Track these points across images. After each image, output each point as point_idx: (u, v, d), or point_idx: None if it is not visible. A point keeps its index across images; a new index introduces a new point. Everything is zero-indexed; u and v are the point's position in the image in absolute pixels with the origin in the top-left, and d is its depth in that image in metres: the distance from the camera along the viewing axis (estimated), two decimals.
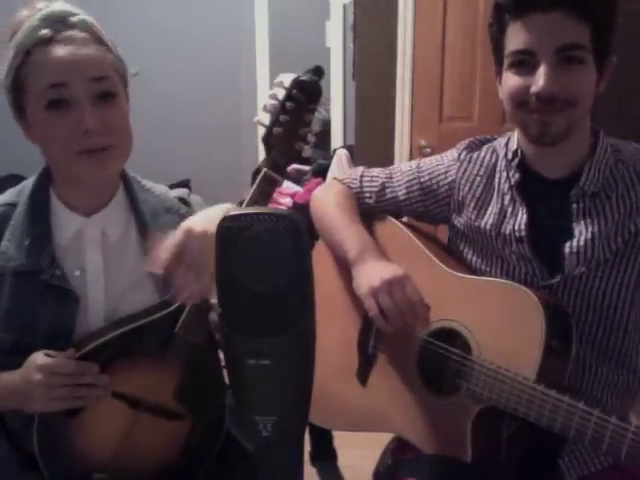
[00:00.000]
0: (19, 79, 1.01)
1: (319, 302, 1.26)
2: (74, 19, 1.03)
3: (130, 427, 1.07)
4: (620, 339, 1.15)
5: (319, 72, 1.03)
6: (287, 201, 3.98)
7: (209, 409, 1.13)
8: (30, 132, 1.06)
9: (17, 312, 1.04)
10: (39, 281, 1.04)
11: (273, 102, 1.03)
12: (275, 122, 1.02)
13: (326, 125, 5.55)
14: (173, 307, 1.07)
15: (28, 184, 1.12)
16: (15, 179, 1.17)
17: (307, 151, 1.03)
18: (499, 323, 1.08)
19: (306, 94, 1.01)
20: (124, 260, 1.13)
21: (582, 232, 1.12)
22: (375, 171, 1.35)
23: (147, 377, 1.07)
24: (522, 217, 1.16)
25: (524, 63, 1.08)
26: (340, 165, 3.18)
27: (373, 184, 1.33)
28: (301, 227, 0.74)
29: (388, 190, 1.31)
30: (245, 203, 1.05)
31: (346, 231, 1.23)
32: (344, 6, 4.43)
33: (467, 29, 2.89)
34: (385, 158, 3.07)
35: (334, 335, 1.27)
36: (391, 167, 1.36)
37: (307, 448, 1.51)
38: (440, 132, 3.04)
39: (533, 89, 1.06)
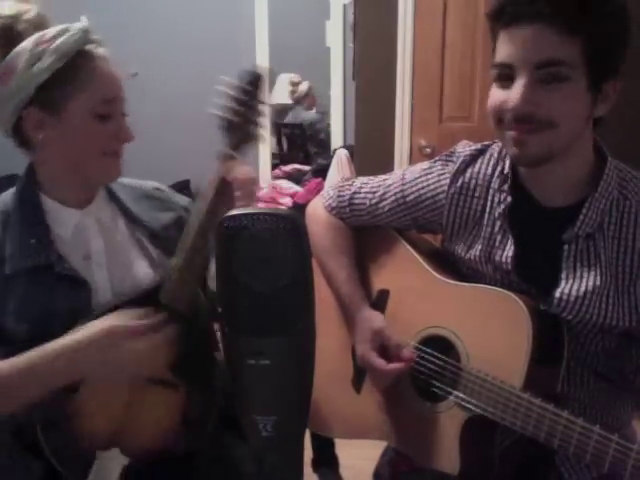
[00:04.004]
0: (61, 82, 1.08)
1: (319, 313, 1.30)
2: (97, 37, 1.12)
3: (129, 398, 1.09)
4: (616, 347, 1.12)
5: (261, 68, 1.16)
6: (287, 201, 3.99)
7: (199, 378, 1.15)
8: (47, 129, 1.10)
9: (30, 305, 1.08)
10: (53, 274, 1.09)
11: (225, 96, 1.15)
12: (229, 111, 1.14)
13: (314, 124, 5.58)
14: (155, 281, 1.12)
15: (7, 195, 1.16)
16: (15, 179, 1.19)
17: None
18: (487, 330, 1.07)
19: (252, 84, 1.14)
20: (118, 245, 1.20)
21: (571, 278, 1.07)
22: (362, 193, 1.28)
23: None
24: (510, 249, 1.12)
25: (506, 77, 1.01)
26: (340, 165, 3.18)
27: (361, 211, 1.28)
28: (301, 227, 0.74)
29: (377, 213, 1.27)
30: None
31: (342, 282, 1.26)
32: (344, 6, 4.43)
33: (467, 29, 2.89)
34: (385, 158, 3.07)
35: (329, 342, 1.25)
36: (378, 185, 1.28)
37: (309, 454, 1.51)
38: (440, 132, 3.03)
39: (508, 105, 1.00)
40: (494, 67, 1.03)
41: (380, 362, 1.14)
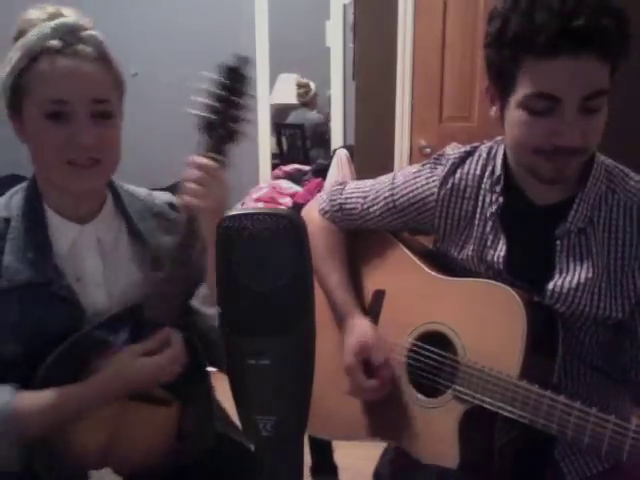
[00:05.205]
0: (20, 81, 1.03)
1: (320, 315, 1.31)
2: (85, 34, 1.05)
3: (119, 416, 1.07)
4: (610, 340, 1.14)
5: (243, 59, 1.10)
6: (287, 201, 3.98)
7: (193, 392, 1.14)
8: (22, 132, 1.07)
9: (27, 324, 1.05)
10: (48, 292, 1.06)
11: (206, 94, 1.09)
12: (207, 109, 1.07)
13: (320, 126, 5.58)
14: (138, 296, 1.10)
15: (14, 197, 1.12)
16: (15, 179, 1.17)
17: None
18: (483, 323, 1.09)
19: (231, 79, 1.07)
20: (119, 264, 1.15)
21: (564, 272, 1.10)
22: (353, 198, 1.30)
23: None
24: (502, 249, 1.14)
25: (544, 107, 1.01)
26: (340, 165, 3.18)
27: (353, 215, 1.30)
28: (301, 227, 0.74)
29: (368, 217, 1.29)
30: None
31: (333, 286, 1.27)
32: (344, 6, 4.42)
33: (467, 29, 2.89)
34: (385, 158, 3.07)
35: (329, 345, 1.27)
36: (369, 189, 1.30)
37: (307, 462, 1.51)
38: (440, 132, 3.03)
39: (557, 141, 1.00)
40: (531, 97, 1.01)
41: (361, 378, 1.17)
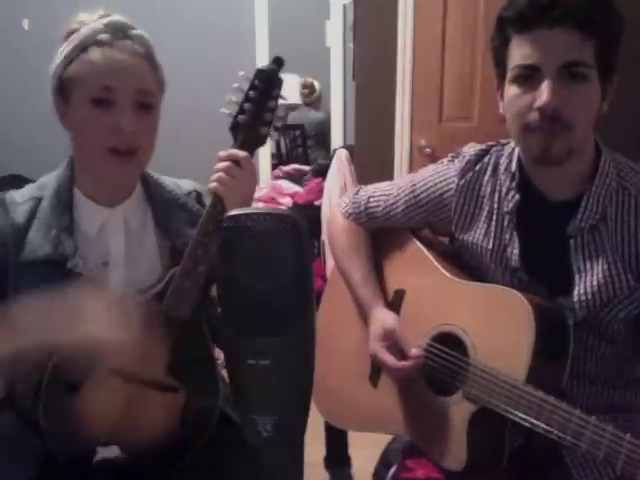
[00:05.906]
0: (72, 70, 1.09)
1: (341, 310, 1.37)
2: (134, 32, 1.13)
3: (127, 400, 1.10)
4: (620, 357, 1.14)
5: (278, 61, 1.14)
6: (287, 201, 3.99)
7: (201, 383, 1.16)
8: (67, 119, 1.12)
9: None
10: (64, 269, 1.10)
11: (239, 93, 1.12)
12: (240, 110, 1.11)
13: (323, 125, 5.58)
14: (157, 288, 1.12)
15: (49, 180, 1.18)
16: (15, 179, 1.20)
17: (273, 135, 1.12)
18: (494, 327, 1.11)
19: (265, 82, 1.11)
20: (142, 250, 1.19)
21: (582, 271, 1.10)
22: (376, 197, 1.34)
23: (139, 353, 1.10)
24: (517, 246, 1.15)
25: (528, 78, 1.05)
26: (340, 165, 3.18)
27: (376, 213, 1.34)
28: (301, 227, 0.75)
29: (391, 215, 1.32)
30: None
31: (357, 282, 1.31)
32: (344, 6, 4.43)
33: (467, 29, 2.89)
34: (385, 158, 3.07)
35: (352, 340, 1.33)
36: (390, 187, 1.34)
37: (322, 452, 1.53)
38: (440, 132, 3.03)
39: (537, 104, 1.03)
40: (516, 69, 1.06)
41: (390, 359, 1.19)
